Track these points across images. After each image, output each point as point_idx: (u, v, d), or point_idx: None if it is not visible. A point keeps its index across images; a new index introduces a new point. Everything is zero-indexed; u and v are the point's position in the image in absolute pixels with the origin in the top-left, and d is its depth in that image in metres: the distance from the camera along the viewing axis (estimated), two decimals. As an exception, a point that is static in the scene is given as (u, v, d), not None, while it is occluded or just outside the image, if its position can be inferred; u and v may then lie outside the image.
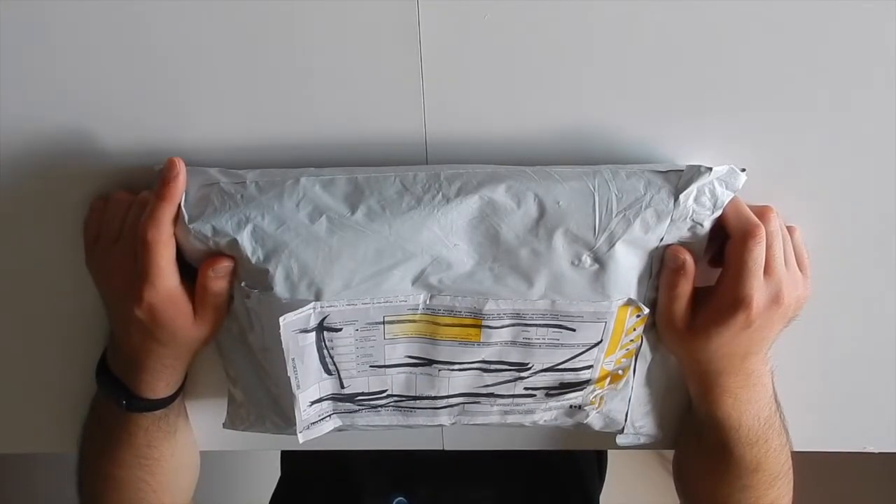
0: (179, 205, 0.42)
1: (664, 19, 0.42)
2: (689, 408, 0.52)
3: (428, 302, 0.44)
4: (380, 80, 0.44)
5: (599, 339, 0.46)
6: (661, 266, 0.45)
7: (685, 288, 0.44)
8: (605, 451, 0.82)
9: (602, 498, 0.78)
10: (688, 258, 0.43)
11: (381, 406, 0.49)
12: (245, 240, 0.42)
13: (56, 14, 0.42)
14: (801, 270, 0.45)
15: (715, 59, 0.43)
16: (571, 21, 0.42)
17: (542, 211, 0.42)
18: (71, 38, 0.43)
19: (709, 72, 0.43)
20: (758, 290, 0.42)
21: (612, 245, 0.42)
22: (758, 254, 0.42)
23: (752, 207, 0.44)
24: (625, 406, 0.51)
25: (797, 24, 0.42)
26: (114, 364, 0.49)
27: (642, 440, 0.54)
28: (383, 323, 0.45)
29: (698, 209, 0.42)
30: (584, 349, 0.46)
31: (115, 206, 0.46)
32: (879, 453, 0.58)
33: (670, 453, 0.56)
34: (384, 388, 0.48)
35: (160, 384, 0.49)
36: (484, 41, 0.43)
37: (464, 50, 0.43)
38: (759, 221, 0.42)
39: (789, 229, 0.46)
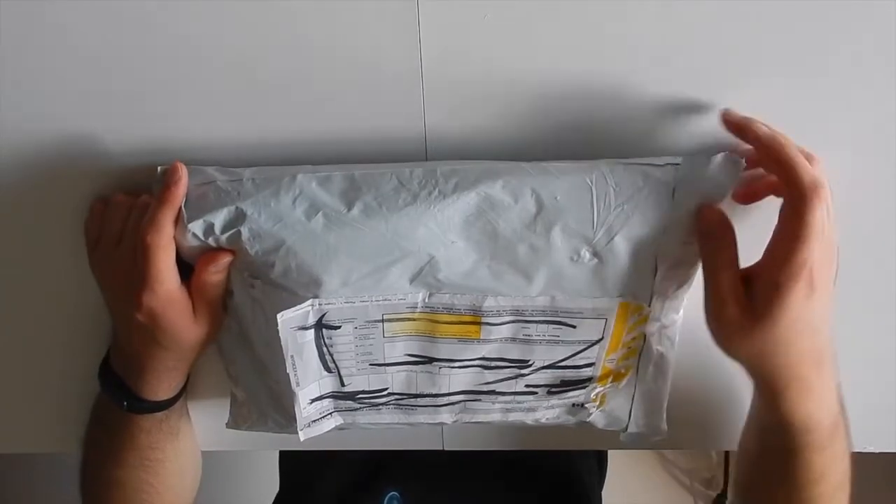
0: (181, 207, 0.42)
1: (664, 19, 0.42)
2: (749, 415, 0.48)
3: (427, 300, 0.44)
4: (380, 79, 0.44)
5: (600, 337, 0.46)
6: (696, 242, 0.42)
7: (730, 253, 0.40)
8: (605, 451, 0.82)
9: (602, 498, 0.78)
10: (723, 216, 0.40)
11: (381, 404, 0.49)
12: (242, 236, 0.42)
13: (56, 15, 0.42)
14: None
15: (715, 57, 0.43)
16: (571, 20, 0.42)
17: (539, 206, 0.42)
18: (70, 39, 0.43)
19: (709, 71, 0.43)
20: (815, 251, 0.37)
21: (610, 239, 0.42)
22: (821, 215, 0.37)
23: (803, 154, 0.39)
24: (628, 404, 0.51)
25: (799, 21, 0.42)
26: (116, 365, 0.49)
27: (646, 439, 0.54)
28: (382, 321, 0.45)
29: (699, 198, 0.42)
30: (584, 346, 0.46)
31: (116, 209, 0.46)
32: (879, 453, 0.58)
33: (670, 453, 0.56)
34: (385, 387, 0.48)
35: (162, 386, 0.49)
36: (484, 41, 0.43)
37: (464, 50, 0.43)
38: (822, 178, 0.37)
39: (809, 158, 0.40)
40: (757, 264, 0.41)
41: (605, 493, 0.79)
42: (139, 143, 0.46)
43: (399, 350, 0.46)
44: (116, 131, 0.46)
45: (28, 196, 0.48)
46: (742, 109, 0.44)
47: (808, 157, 0.40)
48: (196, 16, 0.42)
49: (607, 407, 0.51)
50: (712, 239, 0.41)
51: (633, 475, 1.33)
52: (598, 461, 0.81)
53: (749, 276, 0.41)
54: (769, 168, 0.41)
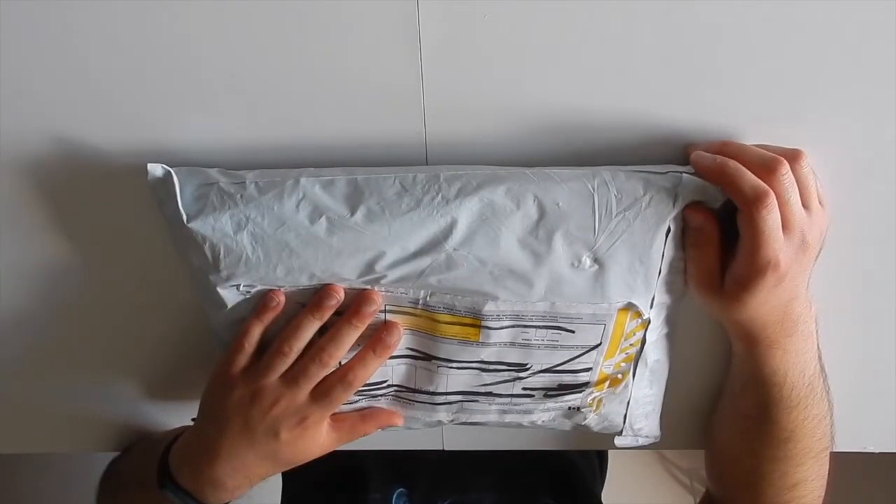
0: (177, 204, 0.42)
1: (665, 19, 0.42)
2: (727, 373, 0.52)
3: (428, 299, 0.44)
4: (380, 80, 0.44)
5: (598, 342, 0.46)
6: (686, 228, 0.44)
7: (710, 250, 0.43)
8: (606, 450, 0.82)
9: (602, 497, 0.78)
10: (707, 218, 0.42)
11: (380, 395, 0.50)
12: (245, 240, 0.42)
13: (57, 15, 0.42)
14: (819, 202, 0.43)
15: (716, 58, 0.43)
16: (572, 20, 0.42)
17: (541, 212, 0.42)
18: (72, 40, 0.43)
19: (710, 73, 0.43)
20: (780, 250, 0.41)
21: (612, 245, 0.42)
22: (772, 219, 0.40)
23: (761, 161, 0.41)
24: (623, 409, 0.51)
25: (798, 22, 0.42)
26: (188, 475, 0.48)
27: (640, 441, 0.54)
28: (385, 311, 0.45)
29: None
30: (582, 351, 0.46)
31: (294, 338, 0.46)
32: (879, 453, 0.58)
33: (670, 453, 0.57)
34: (384, 379, 0.49)
35: (236, 494, 0.49)
36: (484, 41, 0.43)
37: (464, 50, 0.43)
38: (764, 186, 0.40)
39: (793, 155, 0.42)
40: (734, 247, 0.43)
41: (605, 493, 0.79)
42: (139, 144, 0.46)
43: (400, 343, 0.47)
44: (115, 131, 0.46)
45: (29, 197, 0.48)
46: (743, 110, 0.44)
47: (794, 154, 0.42)
48: (198, 19, 0.42)
49: (603, 410, 0.51)
50: (697, 234, 0.43)
51: (633, 475, 1.34)
52: (599, 459, 0.81)
53: (725, 264, 0.44)
54: (723, 187, 0.42)
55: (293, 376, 0.45)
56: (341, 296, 0.44)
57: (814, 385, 0.48)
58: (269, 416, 0.46)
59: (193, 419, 0.50)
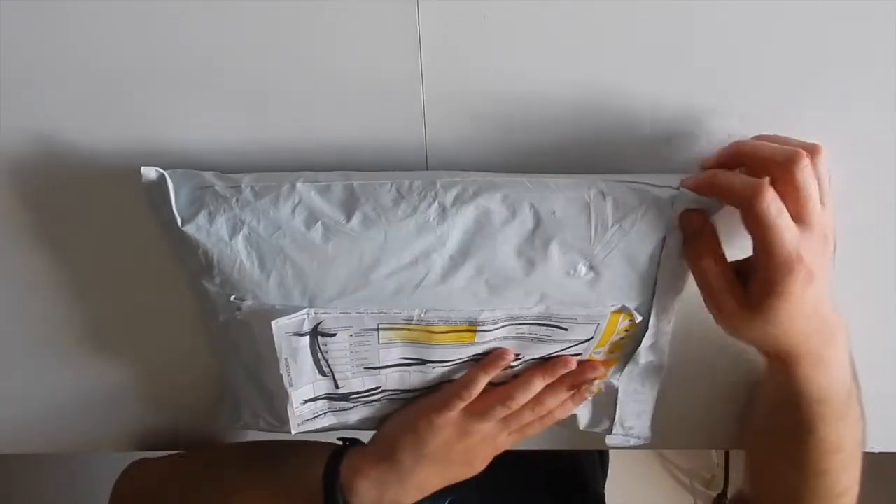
0: (172, 208, 0.41)
1: (665, 20, 0.42)
2: (755, 397, 0.51)
3: (423, 315, 0.44)
4: (380, 80, 0.44)
5: (590, 337, 0.46)
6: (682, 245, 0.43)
7: (712, 248, 0.41)
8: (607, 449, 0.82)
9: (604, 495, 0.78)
10: (702, 219, 0.41)
11: (375, 401, 0.50)
12: (240, 244, 0.41)
13: (55, 15, 0.42)
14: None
15: (717, 58, 0.43)
16: (572, 21, 0.42)
17: (537, 221, 0.41)
18: (68, 42, 0.43)
19: (710, 74, 0.43)
20: (795, 239, 0.38)
21: (607, 254, 0.42)
22: (775, 208, 0.38)
23: (783, 153, 0.40)
24: (612, 407, 0.51)
25: (799, 24, 0.42)
26: (372, 499, 0.49)
27: (631, 441, 0.54)
28: (377, 329, 0.44)
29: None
30: (574, 344, 0.46)
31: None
32: (879, 453, 0.58)
33: (670, 453, 0.57)
34: (378, 386, 0.49)
35: None
36: (484, 41, 0.43)
37: (464, 51, 0.43)
38: (757, 179, 0.38)
39: (812, 149, 0.40)
40: (751, 259, 0.41)
41: (606, 493, 0.79)
42: (138, 146, 0.46)
43: (394, 354, 0.46)
44: (115, 134, 0.46)
45: (24, 198, 0.48)
46: (743, 110, 0.44)
47: (812, 148, 0.40)
48: (197, 19, 0.42)
49: (592, 408, 0.51)
50: (694, 238, 0.42)
51: (633, 475, 1.34)
52: (601, 459, 0.81)
53: (744, 269, 0.42)
54: (718, 197, 0.41)
55: (506, 421, 0.49)
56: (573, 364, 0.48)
57: (852, 390, 0.46)
58: (471, 450, 0.50)
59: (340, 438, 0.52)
